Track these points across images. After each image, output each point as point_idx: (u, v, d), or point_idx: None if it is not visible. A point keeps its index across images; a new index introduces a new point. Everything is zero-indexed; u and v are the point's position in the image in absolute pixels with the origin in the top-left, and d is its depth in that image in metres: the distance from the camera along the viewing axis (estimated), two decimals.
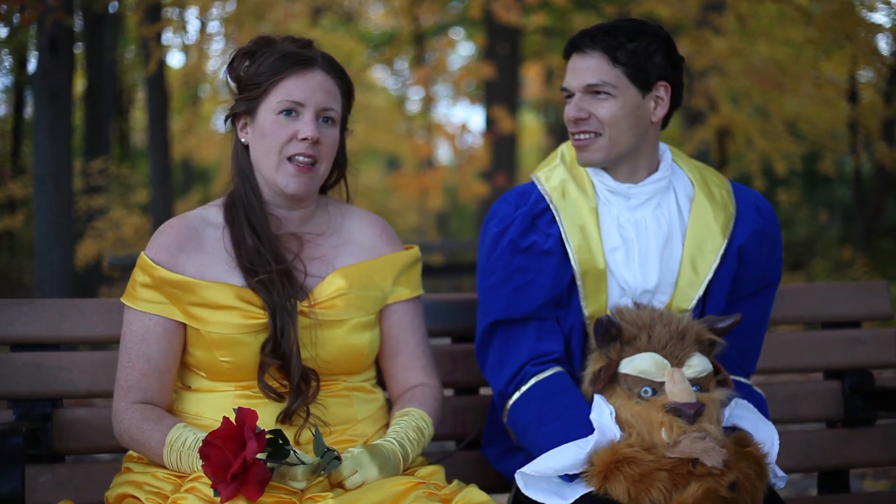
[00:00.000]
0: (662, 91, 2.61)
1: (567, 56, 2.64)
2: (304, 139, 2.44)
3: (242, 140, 2.53)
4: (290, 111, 2.45)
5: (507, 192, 2.74)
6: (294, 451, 2.22)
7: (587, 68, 2.57)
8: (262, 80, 2.46)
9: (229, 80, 2.56)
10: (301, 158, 2.45)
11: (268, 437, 2.16)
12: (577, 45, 2.60)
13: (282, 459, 2.19)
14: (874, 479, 5.01)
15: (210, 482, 2.16)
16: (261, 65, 2.47)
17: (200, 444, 2.13)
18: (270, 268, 2.43)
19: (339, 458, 2.26)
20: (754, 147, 10.84)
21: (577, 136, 2.61)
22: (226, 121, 2.58)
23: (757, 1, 8.96)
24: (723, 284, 2.62)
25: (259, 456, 2.15)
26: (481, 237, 2.68)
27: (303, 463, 2.21)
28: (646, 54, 2.56)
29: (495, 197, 12.52)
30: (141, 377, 2.41)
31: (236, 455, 2.09)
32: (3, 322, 2.70)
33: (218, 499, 2.14)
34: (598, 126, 2.58)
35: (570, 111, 2.60)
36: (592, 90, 2.57)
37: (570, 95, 2.62)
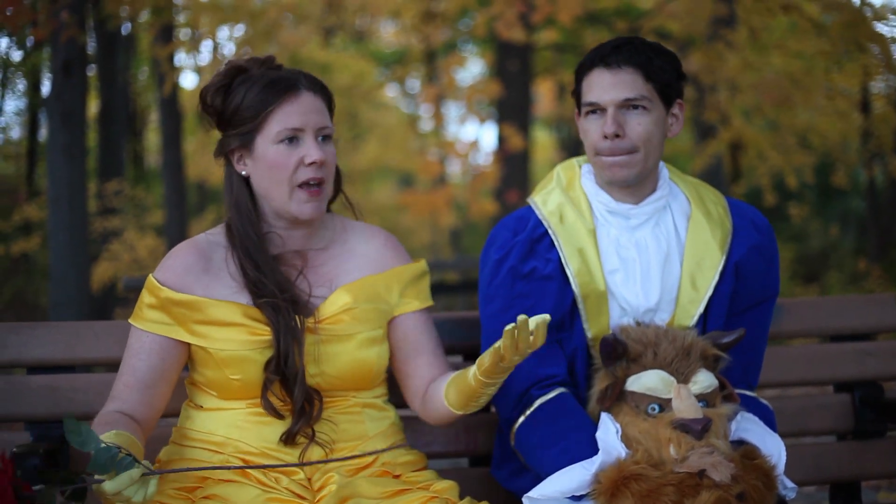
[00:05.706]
0: (678, 109, 2.63)
1: (588, 71, 2.60)
2: (312, 163, 2.46)
3: (243, 173, 2.52)
4: (292, 138, 2.46)
5: (506, 217, 2.74)
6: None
7: (621, 83, 2.55)
8: (252, 112, 2.46)
9: (207, 117, 2.56)
10: (311, 183, 2.47)
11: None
12: (606, 60, 2.57)
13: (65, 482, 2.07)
14: (889, 490, 4.99)
15: None
16: (245, 96, 2.47)
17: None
18: (276, 297, 2.44)
19: (123, 450, 2.07)
20: (766, 161, 10.82)
21: (609, 156, 2.58)
22: (218, 156, 2.56)
23: (769, 13, 8.96)
24: (722, 300, 2.63)
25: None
26: (481, 263, 2.69)
27: (91, 477, 2.08)
28: (670, 71, 2.58)
29: (508, 213, 12.51)
30: (124, 388, 2.43)
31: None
32: (19, 345, 2.73)
33: None
34: (630, 145, 2.56)
35: (607, 127, 2.55)
36: (629, 104, 2.55)
37: (594, 111, 2.59)
